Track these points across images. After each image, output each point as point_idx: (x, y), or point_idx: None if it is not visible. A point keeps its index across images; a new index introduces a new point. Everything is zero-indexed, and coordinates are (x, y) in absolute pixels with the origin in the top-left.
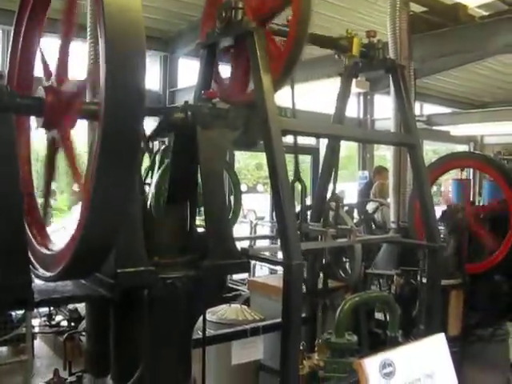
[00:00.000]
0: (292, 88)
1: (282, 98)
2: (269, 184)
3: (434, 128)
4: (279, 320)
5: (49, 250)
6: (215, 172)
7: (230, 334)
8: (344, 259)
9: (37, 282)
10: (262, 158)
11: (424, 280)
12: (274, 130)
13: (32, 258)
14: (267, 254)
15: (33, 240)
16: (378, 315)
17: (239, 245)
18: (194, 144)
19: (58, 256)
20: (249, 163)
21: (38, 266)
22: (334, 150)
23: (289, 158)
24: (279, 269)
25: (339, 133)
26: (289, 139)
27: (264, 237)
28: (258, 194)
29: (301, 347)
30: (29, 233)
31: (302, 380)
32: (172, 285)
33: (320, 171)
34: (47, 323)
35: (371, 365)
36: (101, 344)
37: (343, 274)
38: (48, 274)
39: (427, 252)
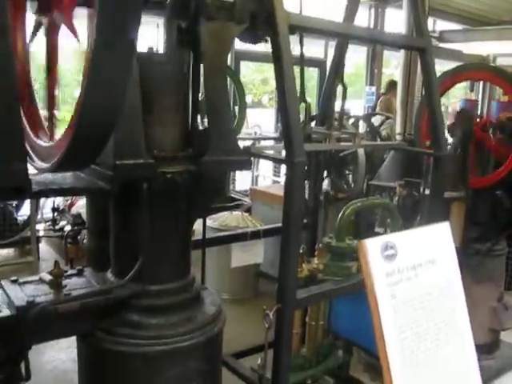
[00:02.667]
0: None
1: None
2: (274, 99)
3: (447, 46)
4: (280, 224)
5: (46, 142)
6: (218, 66)
7: (230, 237)
8: (347, 171)
9: (35, 175)
10: (268, 72)
11: (427, 191)
12: (280, 24)
13: (29, 151)
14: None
15: (30, 132)
16: (379, 230)
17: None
18: (196, 37)
19: (55, 147)
20: (254, 78)
21: (35, 158)
22: (341, 55)
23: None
24: (282, 180)
25: (349, 31)
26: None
27: (268, 138)
28: (264, 108)
29: (301, 251)
30: (26, 125)
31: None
32: (172, 179)
33: (326, 78)
34: (51, 228)
35: (372, 246)
36: (101, 240)
37: (346, 186)
38: (45, 165)
39: (432, 161)
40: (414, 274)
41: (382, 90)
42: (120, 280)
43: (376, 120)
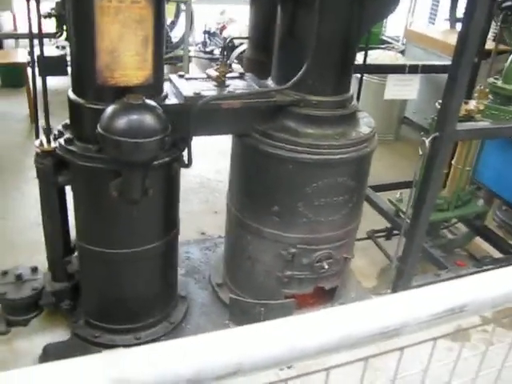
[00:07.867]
0: None
1: None
2: None
3: None
4: (439, 62)
5: None
6: None
7: (388, 67)
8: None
9: None
10: None
11: None
12: None
13: None
14: None
15: None
16: None
17: None
18: None
19: None
20: None
21: None
22: None
23: None
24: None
25: None
26: None
27: None
28: None
29: None
30: None
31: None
32: None
33: None
34: (202, 50)
35: None
36: (261, 50)
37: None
38: None
39: None
40: None
41: None
42: (281, 87)
43: None
